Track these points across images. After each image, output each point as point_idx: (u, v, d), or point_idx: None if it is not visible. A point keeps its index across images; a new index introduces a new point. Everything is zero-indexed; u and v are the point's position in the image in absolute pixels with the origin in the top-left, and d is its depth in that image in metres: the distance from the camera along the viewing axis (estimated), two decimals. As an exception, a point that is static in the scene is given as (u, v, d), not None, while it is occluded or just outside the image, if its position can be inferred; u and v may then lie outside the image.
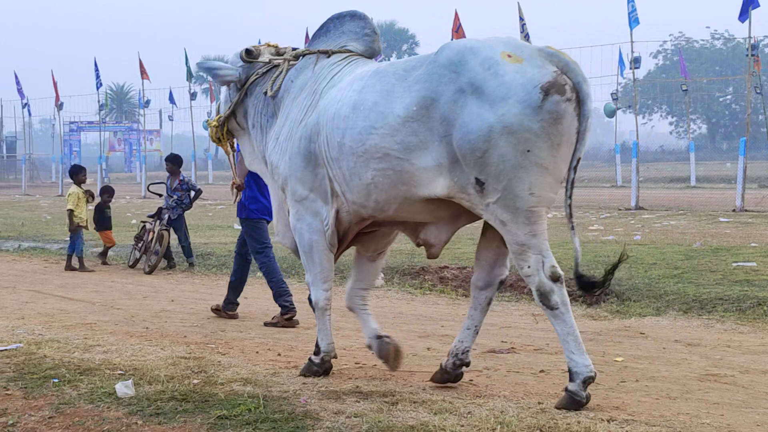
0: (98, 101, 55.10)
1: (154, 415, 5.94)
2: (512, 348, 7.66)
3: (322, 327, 7.52)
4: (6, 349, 7.88)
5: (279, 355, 7.58)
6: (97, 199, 15.65)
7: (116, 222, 18.58)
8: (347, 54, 7.82)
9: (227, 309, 10.56)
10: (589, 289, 6.62)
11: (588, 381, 6.03)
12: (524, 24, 30.15)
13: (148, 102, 54.52)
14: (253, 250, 10.28)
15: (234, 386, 6.38)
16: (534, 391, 6.24)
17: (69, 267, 15.23)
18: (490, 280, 6.79)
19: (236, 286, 10.64)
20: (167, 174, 15.66)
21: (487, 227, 6.69)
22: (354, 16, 8.04)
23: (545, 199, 6.21)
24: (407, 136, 6.61)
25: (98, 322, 9.31)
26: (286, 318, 9.89)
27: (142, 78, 48.52)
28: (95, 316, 9.81)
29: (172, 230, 14.97)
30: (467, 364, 6.76)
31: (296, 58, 8.05)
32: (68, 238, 15.40)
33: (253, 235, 9.93)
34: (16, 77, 56.88)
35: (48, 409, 6.26)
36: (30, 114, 65.64)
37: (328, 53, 7.84)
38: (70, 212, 15.73)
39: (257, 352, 7.68)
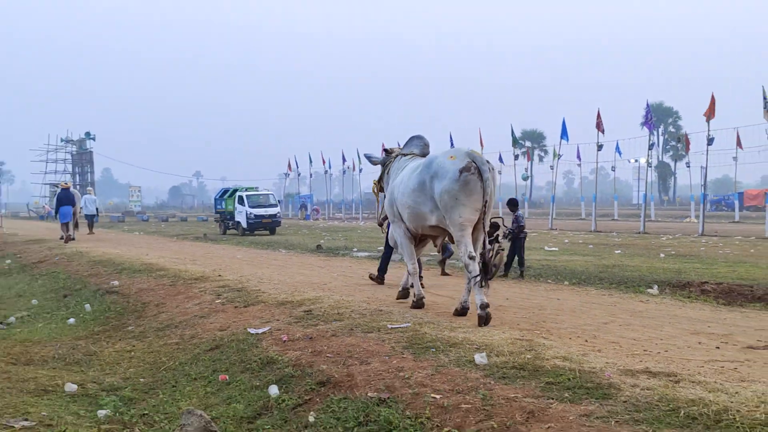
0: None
1: (501, 378, 5.94)
2: (766, 345, 7.05)
3: (414, 282, 10.24)
4: (400, 327, 8.13)
5: (586, 341, 7.34)
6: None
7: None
8: (411, 155, 10.63)
9: (379, 277, 13.10)
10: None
11: (484, 306, 8.54)
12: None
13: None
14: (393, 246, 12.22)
15: (556, 361, 6.26)
16: (786, 379, 5.74)
17: (443, 273, 14.55)
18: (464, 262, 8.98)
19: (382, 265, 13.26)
20: (509, 210, 15.07)
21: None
22: (417, 137, 11.02)
23: (468, 219, 8.86)
24: (416, 197, 9.49)
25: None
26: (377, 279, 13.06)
27: (481, 144, 48.54)
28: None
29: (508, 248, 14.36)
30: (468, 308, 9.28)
31: (396, 157, 10.98)
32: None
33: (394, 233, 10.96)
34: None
35: (430, 369, 6.38)
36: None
37: (405, 155, 10.75)
38: None
39: (570, 338, 7.48)
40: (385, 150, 11.50)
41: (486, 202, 8.76)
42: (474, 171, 8.66)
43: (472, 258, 8.69)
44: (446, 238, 12.27)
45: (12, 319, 12.29)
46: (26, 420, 6.33)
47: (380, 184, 11.46)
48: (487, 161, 8.98)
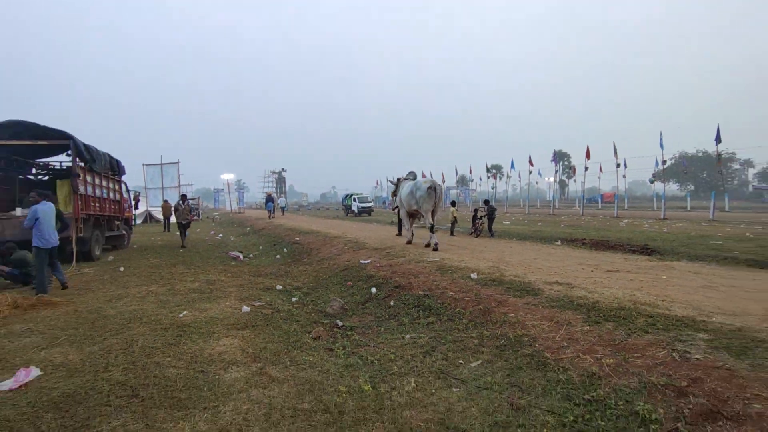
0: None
1: (484, 285, 5.81)
2: (617, 270, 6.73)
3: (406, 233, 10.66)
4: (434, 260, 7.93)
5: (525, 268, 7.03)
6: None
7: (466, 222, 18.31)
8: (408, 179, 10.71)
9: (399, 233, 12.35)
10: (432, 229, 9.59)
11: (436, 244, 9.25)
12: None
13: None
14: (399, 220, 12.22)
15: (511, 277, 6.03)
16: (628, 286, 5.41)
17: (451, 234, 13.42)
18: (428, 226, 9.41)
19: (399, 227, 12.44)
20: (484, 205, 13.98)
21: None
22: (411, 172, 11.05)
23: (428, 209, 9.32)
24: (409, 197, 9.76)
25: (462, 254, 9.00)
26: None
27: (470, 172, 47.08)
28: (461, 251, 9.50)
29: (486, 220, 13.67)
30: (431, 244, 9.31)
31: (401, 181, 10.95)
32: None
33: (400, 216, 11.28)
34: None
35: (449, 280, 6.24)
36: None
37: (405, 179, 10.81)
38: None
39: (517, 266, 7.16)
40: (397, 179, 11.69)
41: (436, 201, 9.42)
42: (433, 188, 9.39)
43: (431, 225, 9.49)
44: (455, 219, 12.29)
45: (251, 255, 12.65)
46: (259, 301, 6.53)
47: (393, 194, 11.89)
48: (440, 184, 9.66)
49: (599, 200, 48.72)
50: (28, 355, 4.27)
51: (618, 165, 31.51)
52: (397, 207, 12.15)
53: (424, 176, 11.95)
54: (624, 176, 37.25)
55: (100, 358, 4.15)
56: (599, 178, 41.86)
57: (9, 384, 3.61)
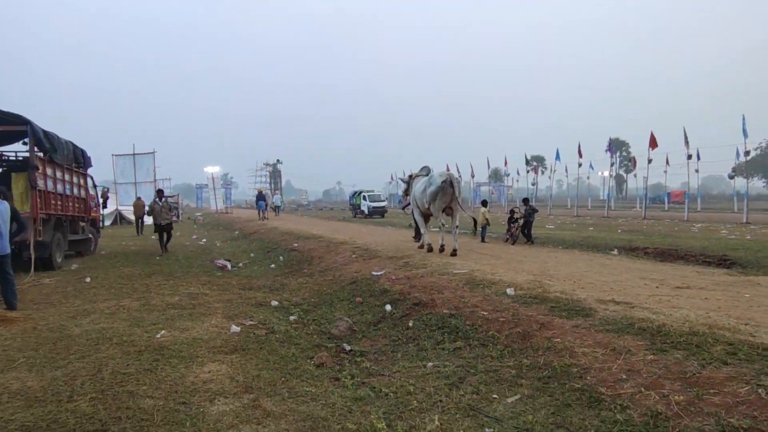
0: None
1: (523, 303, 5.80)
2: (688, 286, 6.65)
3: (424, 238, 10.99)
4: (461, 272, 7.97)
5: (574, 282, 7.03)
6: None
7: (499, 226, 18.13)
8: (422, 174, 11.03)
9: (415, 238, 13.03)
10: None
11: (454, 252, 9.94)
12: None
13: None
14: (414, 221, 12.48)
15: (556, 294, 6.05)
16: (702, 306, 5.36)
17: (482, 240, 13.47)
18: (448, 228, 10.33)
19: (416, 231, 12.79)
20: (523, 204, 14.03)
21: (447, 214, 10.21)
22: (425, 167, 11.36)
23: (439, 207, 9.89)
24: (423, 196, 10.30)
25: (496, 264, 9.06)
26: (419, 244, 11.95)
27: (505, 164, 46.89)
28: (494, 261, 9.58)
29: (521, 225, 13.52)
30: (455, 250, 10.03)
31: (414, 178, 11.52)
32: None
33: (415, 219, 11.69)
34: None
35: (480, 297, 6.30)
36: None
37: (419, 175, 11.22)
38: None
39: (564, 280, 7.18)
40: (409, 175, 12.13)
41: (453, 197, 9.86)
42: (449, 183, 9.82)
43: (442, 224, 10.34)
44: (486, 221, 12.37)
45: (240, 264, 12.81)
46: (251, 320, 6.61)
47: (405, 193, 12.57)
48: (457, 178, 10.19)
49: (666, 200, 48.03)
50: (-21, 381, 4.39)
51: (689, 156, 31.15)
52: (408, 205, 12.50)
53: (448, 170, 12.25)
54: (697, 170, 36.66)
55: (63, 386, 4.25)
56: (665, 172, 41.44)
57: (-42, 415, 3.71)
